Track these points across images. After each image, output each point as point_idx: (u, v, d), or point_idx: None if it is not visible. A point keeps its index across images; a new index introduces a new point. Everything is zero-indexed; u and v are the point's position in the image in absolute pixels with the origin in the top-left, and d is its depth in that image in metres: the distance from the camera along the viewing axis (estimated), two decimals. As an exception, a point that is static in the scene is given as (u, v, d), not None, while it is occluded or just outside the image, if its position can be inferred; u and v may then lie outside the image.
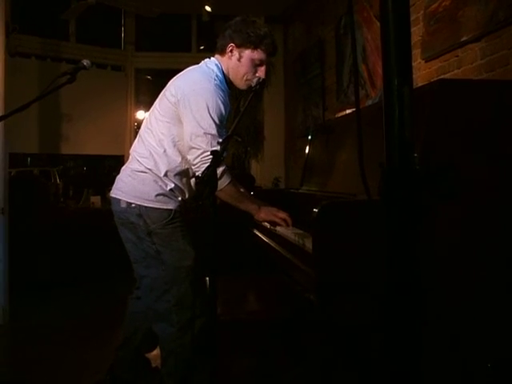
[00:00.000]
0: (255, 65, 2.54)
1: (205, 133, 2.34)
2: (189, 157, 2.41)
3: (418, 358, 1.04)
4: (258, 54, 2.53)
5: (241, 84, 2.58)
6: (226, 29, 2.58)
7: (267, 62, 2.59)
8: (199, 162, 2.34)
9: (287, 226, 2.55)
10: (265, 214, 2.55)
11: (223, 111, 2.41)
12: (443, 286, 2.00)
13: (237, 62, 2.54)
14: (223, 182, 2.36)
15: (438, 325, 1.95)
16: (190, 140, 2.37)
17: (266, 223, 2.74)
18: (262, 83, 2.53)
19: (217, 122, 2.37)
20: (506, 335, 2.07)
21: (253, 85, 2.52)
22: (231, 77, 2.59)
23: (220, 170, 2.30)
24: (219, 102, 2.39)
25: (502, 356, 2.07)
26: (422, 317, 1.07)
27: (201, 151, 2.34)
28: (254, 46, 2.52)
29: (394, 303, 1.05)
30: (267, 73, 2.60)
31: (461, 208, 1.97)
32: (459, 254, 2.03)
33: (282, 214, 2.54)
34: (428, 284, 1.83)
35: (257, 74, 2.55)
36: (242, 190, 2.56)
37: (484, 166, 2.08)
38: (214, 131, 2.35)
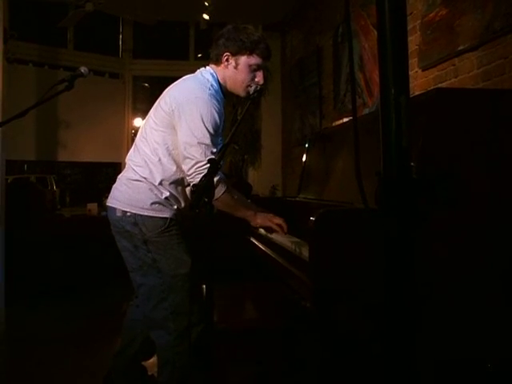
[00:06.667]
0: (253, 70, 2.54)
1: (199, 143, 2.34)
2: (183, 167, 2.40)
3: (415, 364, 1.04)
4: (254, 59, 2.53)
5: (241, 91, 2.58)
6: (219, 38, 2.57)
7: (263, 67, 2.59)
8: (194, 173, 2.34)
9: (283, 231, 2.54)
10: (261, 220, 2.55)
11: (217, 121, 2.41)
12: (441, 293, 2.00)
13: (234, 69, 2.54)
14: (219, 191, 2.35)
15: (436, 330, 1.95)
16: (184, 150, 2.36)
17: (261, 230, 2.74)
18: (259, 91, 2.54)
19: (211, 131, 2.36)
20: (503, 338, 2.07)
21: (251, 92, 2.53)
22: (229, 85, 2.59)
23: (216, 179, 2.28)
24: (213, 112, 2.39)
25: (501, 357, 2.07)
26: (418, 323, 1.06)
27: (194, 161, 2.34)
28: (250, 52, 2.52)
29: (391, 311, 1.05)
30: (265, 78, 2.60)
31: (458, 216, 1.97)
32: (456, 261, 2.03)
33: (278, 220, 2.54)
34: (426, 291, 1.83)
35: (256, 80, 2.55)
36: (237, 197, 2.56)
37: (481, 175, 2.09)
38: (207, 141, 2.35)
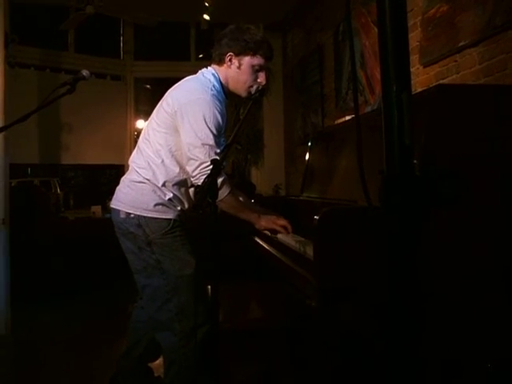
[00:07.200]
0: (255, 70, 2.55)
1: (202, 143, 2.34)
2: (187, 168, 2.41)
3: (419, 364, 1.04)
4: (257, 60, 2.54)
5: (242, 91, 2.58)
6: (221, 38, 2.57)
7: (266, 68, 2.59)
8: (198, 174, 2.34)
9: (287, 233, 2.54)
10: (265, 223, 2.54)
11: (220, 121, 2.41)
12: (443, 291, 1.99)
13: (237, 70, 2.54)
14: (223, 193, 2.36)
15: (438, 329, 1.95)
16: (188, 151, 2.37)
17: (266, 231, 2.74)
18: (261, 91, 2.54)
19: (214, 132, 2.36)
20: (505, 336, 2.07)
21: (253, 92, 2.53)
22: (232, 86, 2.59)
23: (220, 180, 2.28)
24: (216, 112, 2.39)
25: (501, 356, 2.07)
26: (421, 321, 1.06)
27: (199, 162, 2.34)
28: (253, 52, 2.52)
29: (395, 309, 1.04)
30: (267, 79, 2.60)
31: (461, 213, 1.96)
32: (460, 259, 2.03)
33: (282, 222, 2.54)
34: (428, 289, 1.83)
35: (258, 80, 2.55)
36: (241, 198, 2.56)
37: (483, 171, 2.08)
38: (211, 142, 2.35)
